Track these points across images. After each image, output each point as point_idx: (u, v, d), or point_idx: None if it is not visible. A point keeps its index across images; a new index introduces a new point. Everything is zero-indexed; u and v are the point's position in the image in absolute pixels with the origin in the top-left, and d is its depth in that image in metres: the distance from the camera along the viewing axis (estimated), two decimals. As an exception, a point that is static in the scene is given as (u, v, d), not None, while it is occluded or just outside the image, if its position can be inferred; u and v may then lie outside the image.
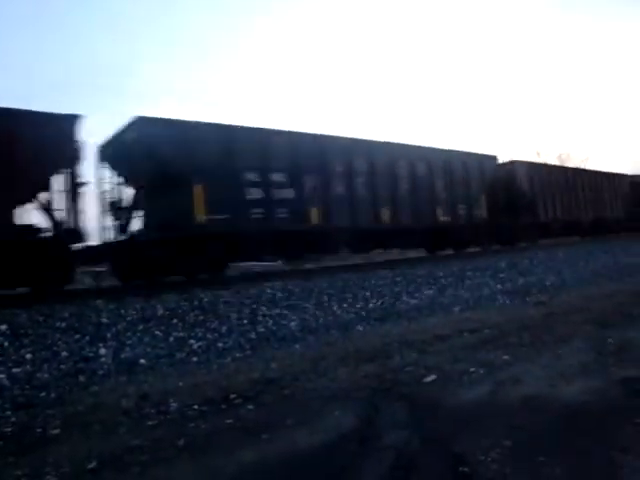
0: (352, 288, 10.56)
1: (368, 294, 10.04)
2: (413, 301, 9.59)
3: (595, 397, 3.82)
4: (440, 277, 12.35)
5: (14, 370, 5.44)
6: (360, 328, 7.46)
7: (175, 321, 7.51)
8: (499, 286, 11.14)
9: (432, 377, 4.56)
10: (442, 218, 17.58)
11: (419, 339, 6.21)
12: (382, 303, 9.33)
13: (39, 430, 3.89)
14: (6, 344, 6.28)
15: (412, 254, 19.36)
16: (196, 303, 8.55)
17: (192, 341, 6.61)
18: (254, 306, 8.55)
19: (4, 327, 6.83)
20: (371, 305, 9.13)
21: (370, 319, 8.07)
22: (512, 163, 22.15)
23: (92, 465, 3.12)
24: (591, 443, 3.04)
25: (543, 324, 6.65)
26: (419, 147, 17.57)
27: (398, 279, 11.96)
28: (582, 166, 34.90)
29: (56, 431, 3.84)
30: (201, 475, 2.91)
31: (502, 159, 22.02)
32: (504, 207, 19.98)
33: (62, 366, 5.67)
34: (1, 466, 3.22)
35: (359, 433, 3.36)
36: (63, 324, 7.18)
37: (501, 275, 12.71)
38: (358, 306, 9.03)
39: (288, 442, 3.28)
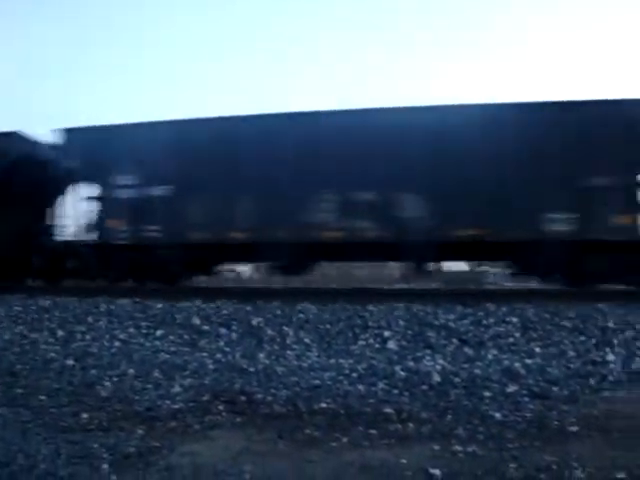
0: None
1: None
2: None
3: None
4: None
5: (527, 361, 5.82)
6: None
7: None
8: None
9: None
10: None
11: None
12: None
13: (556, 423, 4.06)
14: (517, 335, 6.77)
15: None
16: None
17: None
18: None
19: (515, 319, 7.39)
20: None
21: None
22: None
23: (621, 476, 3.06)
24: None
25: None
26: None
27: None
28: None
29: (574, 428, 3.93)
30: None
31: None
32: None
33: (570, 365, 5.76)
34: (531, 447, 3.50)
35: None
36: (568, 324, 7.30)
37: None
38: None
39: None
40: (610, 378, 5.37)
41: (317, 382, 5.07)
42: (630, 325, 7.26)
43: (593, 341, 6.67)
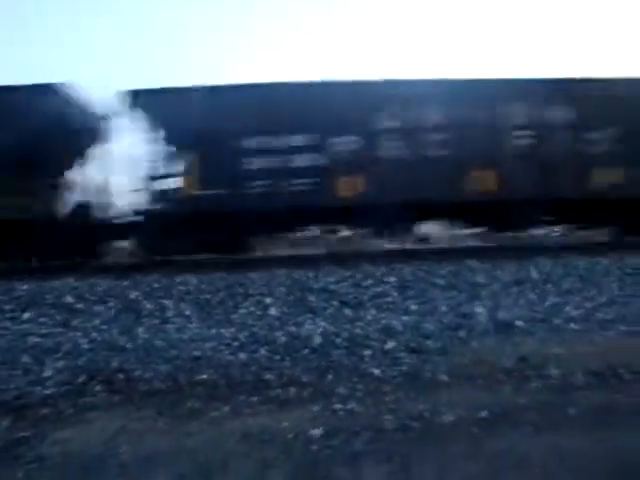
0: None
1: None
2: None
3: None
4: None
5: (403, 318, 6.08)
6: None
7: (550, 286, 7.34)
8: None
9: None
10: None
11: None
12: None
13: (429, 374, 4.29)
14: (395, 294, 7.05)
15: None
16: (571, 270, 8.18)
17: (569, 308, 6.36)
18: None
19: (393, 279, 7.69)
20: None
21: None
22: None
23: (484, 414, 3.31)
24: None
25: None
26: None
27: None
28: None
29: (444, 377, 4.18)
30: (598, 447, 2.82)
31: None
32: None
33: (443, 319, 6.08)
34: (406, 399, 3.68)
35: None
36: (442, 281, 7.71)
37: None
38: None
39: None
40: (478, 329, 5.73)
41: (198, 353, 4.97)
42: (496, 279, 7.81)
43: (463, 296, 7.09)
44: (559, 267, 8.51)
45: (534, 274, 7.96)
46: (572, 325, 5.77)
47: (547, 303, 6.61)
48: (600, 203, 11.97)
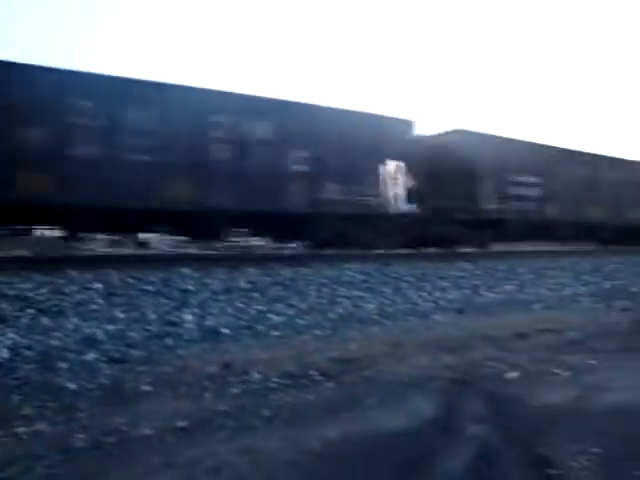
0: (430, 277, 10.50)
1: (447, 284, 9.94)
2: (492, 295, 9.43)
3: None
4: (520, 273, 12.10)
5: (108, 327, 5.76)
6: (438, 318, 7.39)
7: (256, 295, 7.72)
8: (583, 288, 10.75)
9: (514, 374, 4.48)
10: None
11: (499, 335, 6.09)
12: (460, 295, 9.22)
13: (132, 385, 4.12)
14: (100, 301, 6.66)
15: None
16: (277, 279, 8.75)
17: (272, 315, 6.78)
18: (334, 286, 8.67)
19: (99, 286, 7.24)
20: (449, 296, 9.04)
21: (448, 310, 7.98)
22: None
23: (183, 424, 3.28)
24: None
25: (630, 330, 6.39)
26: None
27: (478, 272, 11.81)
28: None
29: (147, 388, 4.05)
30: (287, 446, 2.99)
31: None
32: None
33: (150, 328, 5.94)
34: (103, 413, 3.45)
35: (441, 421, 3.36)
36: (151, 288, 7.53)
37: (584, 277, 12.28)
38: (436, 295, 8.97)
39: (370, 423, 3.33)
40: (186, 337, 5.73)
41: None
42: (206, 287, 7.93)
43: (173, 303, 7.03)
44: (266, 276, 9.04)
45: (242, 283, 8.29)
46: (274, 332, 6.15)
47: (253, 311, 6.93)
48: None
